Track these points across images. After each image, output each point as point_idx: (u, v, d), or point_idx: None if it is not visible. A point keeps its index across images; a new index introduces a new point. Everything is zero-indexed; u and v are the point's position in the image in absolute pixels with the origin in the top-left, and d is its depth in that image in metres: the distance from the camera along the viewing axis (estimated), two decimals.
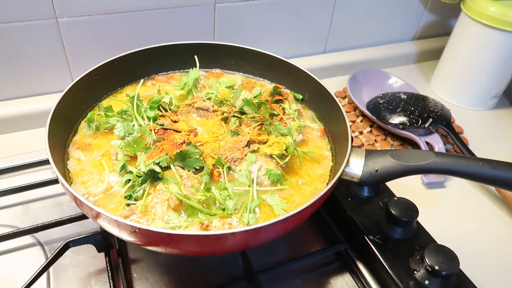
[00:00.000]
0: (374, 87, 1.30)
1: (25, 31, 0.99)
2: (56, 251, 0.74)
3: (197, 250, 0.64)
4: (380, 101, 1.19)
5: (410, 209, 0.80)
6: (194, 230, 0.65)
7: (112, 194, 0.70)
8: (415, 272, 0.73)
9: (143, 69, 0.96)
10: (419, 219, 0.80)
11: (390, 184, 0.90)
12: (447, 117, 1.14)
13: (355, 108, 1.27)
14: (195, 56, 0.97)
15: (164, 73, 1.00)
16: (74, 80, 0.81)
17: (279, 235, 0.68)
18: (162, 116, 0.84)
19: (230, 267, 0.82)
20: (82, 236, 0.77)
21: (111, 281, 0.75)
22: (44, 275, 0.77)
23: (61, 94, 0.77)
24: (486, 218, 0.97)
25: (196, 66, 0.96)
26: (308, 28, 1.33)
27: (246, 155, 0.77)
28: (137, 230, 0.58)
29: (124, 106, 0.84)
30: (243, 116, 0.85)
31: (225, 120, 0.86)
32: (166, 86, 0.96)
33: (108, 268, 0.77)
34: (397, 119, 1.12)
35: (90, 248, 0.79)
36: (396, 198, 0.82)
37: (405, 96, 1.18)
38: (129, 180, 0.71)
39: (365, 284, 0.80)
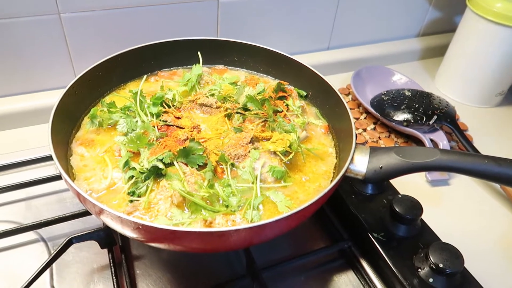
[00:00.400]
0: (378, 84, 1.29)
1: (28, 26, 0.99)
2: (59, 247, 0.74)
3: (200, 246, 0.64)
4: (384, 98, 1.18)
5: (415, 206, 0.79)
6: (197, 226, 0.64)
7: (115, 190, 0.70)
8: (419, 270, 0.73)
9: (146, 65, 0.96)
10: (423, 216, 0.80)
11: (394, 182, 0.89)
12: (451, 114, 1.14)
13: (359, 105, 1.27)
14: (199, 52, 0.96)
15: (167, 69, 0.99)
16: (77, 76, 0.81)
17: (282, 232, 0.68)
18: (165, 112, 0.84)
19: (234, 264, 0.82)
20: (85, 233, 0.77)
21: (114, 277, 0.75)
22: (47, 271, 0.77)
23: (64, 90, 0.77)
24: (490, 216, 0.97)
25: (199, 62, 0.95)
26: (312, 25, 1.32)
27: (249, 151, 0.76)
28: (140, 227, 0.58)
29: (127, 102, 0.84)
30: (246, 113, 0.85)
31: (229, 116, 0.85)
32: (169, 82, 0.95)
33: (111, 264, 0.77)
34: (401, 116, 1.11)
35: (93, 245, 0.79)
36: (400, 196, 0.81)
37: (410, 93, 1.18)
38: (132, 176, 0.70)
39: (368, 281, 0.79)
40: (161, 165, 0.70)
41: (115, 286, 0.74)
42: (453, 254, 0.72)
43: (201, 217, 0.66)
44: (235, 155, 0.75)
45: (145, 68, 0.96)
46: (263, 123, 0.83)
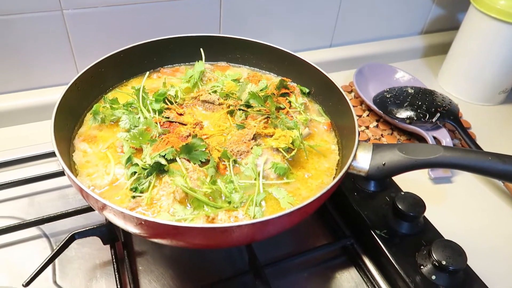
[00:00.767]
0: (381, 82, 1.29)
1: (31, 23, 0.99)
2: (61, 243, 0.74)
3: (203, 242, 0.64)
4: (387, 96, 1.18)
5: (417, 204, 0.79)
6: (199, 223, 0.64)
7: (118, 186, 0.70)
8: (421, 267, 0.73)
9: (149, 61, 0.96)
10: (426, 214, 0.80)
11: (397, 179, 0.89)
12: (454, 111, 1.13)
13: (362, 102, 1.26)
14: (201, 49, 0.96)
15: (169, 65, 0.99)
16: (80, 72, 0.81)
17: (285, 228, 0.68)
18: (168, 109, 0.84)
19: (236, 260, 0.82)
20: (87, 228, 0.77)
21: (116, 273, 0.75)
22: (50, 267, 0.77)
23: (66, 86, 0.77)
24: (493, 214, 0.97)
25: (201, 59, 0.95)
26: (315, 22, 1.32)
27: (252, 148, 0.76)
28: (143, 222, 0.58)
29: (129, 99, 0.84)
30: (249, 110, 0.85)
31: (231, 113, 0.85)
32: (172, 79, 0.95)
33: (114, 260, 0.77)
34: (404, 114, 1.11)
35: (95, 241, 0.79)
36: (403, 193, 0.81)
37: (412, 91, 1.17)
38: (135, 172, 0.70)
39: (371, 278, 0.79)
40: (163, 161, 0.70)
41: (118, 282, 0.74)
42: (456, 251, 0.72)
43: (204, 213, 0.66)
44: (238, 151, 0.75)
45: (148, 64, 0.96)
46: (266, 120, 0.83)
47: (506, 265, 0.86)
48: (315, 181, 0.76)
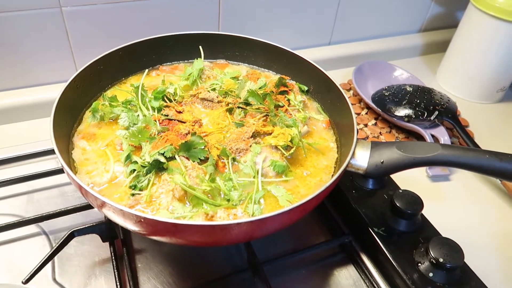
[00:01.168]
0: (380, 79, 1.29)
1: (29, 20, 0.99)
2: (61, 241, 0.74)
3: (202, 240, 0.64)
4: (386, 93, 1.18)
5: (415, 201, 0.79)
6: (199, 220, 0.64)
7: (117, 184, 0.70)
8: (419, 264, 0.73)
9: (148, 59, 0.96)
10: (424, 212, 0.80)
11: (395, 177, 0.89)
12: (453, 110, 1.14)
13: (360, 100, 1.27)
14: (200, 47, 0.96)
15: (168, 63, 0.99)
16: (79, 69, 0.81)
17: (283, 226, 0.68)
18: (167, 106, 0.84)
19: (235, 258, 0.82)
20: (87, 226, 0.77)
21: (115, 270, 0.75)
22: (49, 264, 0.77)
23: (65, 84, 0.77)
24: (490, 212, 0.97)
25: (200, 57, 0.95)
26: (314, 19, 1.32)
27: (251, 146, 0.76)
28: (142, 220, 0.58)
29: (128, 96, 0.84)
30: (248, 107, 0.85)
31: (230, 111, 0.85)
32: (171, 76, 0.95)
33: (113, 258, 0.77)
34: (402, 112, 1.11)
35: (94, 238, 0.79)
36: (401, 191, 0.82)
37: (411, 89, 1.18)
38: (134, 170, 0.70)
39: (369, 276, 0.80)
40: (162, 159, 0.70)
41: (117, 279, 0.74)
42: (453, 248, 0.72)
43: (203, 210, 0.66)
44: (237, 149, 0.76)
45: (147, 62, 0.96)
46: (265, 117, 0.83)
47: (503, 263, 0.86)
48: (314, 179, 0.76)
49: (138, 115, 0.80)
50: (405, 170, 0.74)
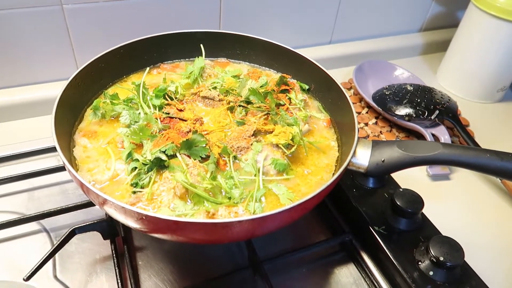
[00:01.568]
0: (380, 79, 1.29)
1: (30, 17, 0.99)
2: (62, 238, 0.74)
3: (203, 238, 0.64)
4: (386, 93, 1.18)
5: (416, 200, 0.80)
6: (200, 218, 0.65)
7: (118, 181, 0.70)
8: (419, 263, 0.73)
9: (149, 57, 0.96)
10: (424, 211, 0.80)
11: (396, 176, 0.89)
12: (453, 109, 1.14)
13: (361, 99, 1.27)
14: (201, 45, 0.96)
15: (169, 61, 0.99)
16: (80, 67, 0.81)
17: (284, 224, 0.68)
18: (168, 104, 0.84)
19: (235, 256, 0.83)
20: (88, 223, 0.77)
21: (116, 268, 0.75)
22: (50, 262, 0.77)
23: (67, 82, 0.77)
24: (491, 210, 0.97)
25: (202, 55, 0.95)
26: (315, 18, 1.32)
27: (252, 144, 0.76)
28: (143, 217, 0.58)
29: (130, 94, 0.84)
30: (249, 106, 0.85)
31: (231, 109, 0.85)
32: (172, 74, 0.95)
33: (114, 255, 0.77)
34: (403, 111, 1.12)
35: (95, 235, 0.79)
36: (401, 190, 0.82)
37: (412, 88, 1.18)
38: (135, 168, 0.70)
39: (369, 274, 0.80)
40: (164, 157, 0.70)
41: (118, 277, 0.74)
42: (453, 247, 0.72)
43: (204, 208, 0.66)
44: (238, 147, 0.76)
45: (148, 60, 0.96)
46: (266, 116, 0.83)
47: (503, 261, 0.86)
48: (315, 177, 0.76)
49: (140, 113, 0.80)
50: (406, 169, 0.74)
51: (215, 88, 0.89)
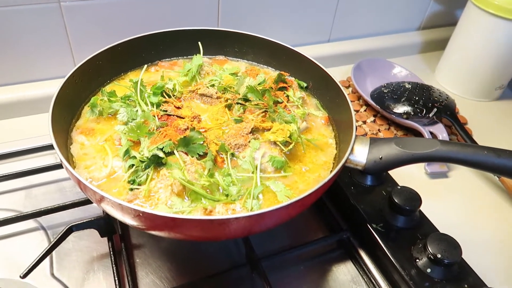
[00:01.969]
0: (378, 77, 1.29)
1: (28, 15, 0.98)
2: (59, 235, 0.74)
3: (200, 235, 0.64)
4: (384, 91, 1.18)
5: (413, 198, 0.80)
6: (197, 215, 0.64)
7: (116, 178, 0.70)
8: (417, 260, 0.73)
9: (147, 54, 0.96)
10: (422, 208, 0.80)
11: (393, 174, 0.89)
12: (451, 107, 1.14)
13: (359, 97, 1.27)
14: (199, 43, 0.96)
15: (167, 59, 0.99)
16: (77, 64, 0.81)
17: (282, 221, 0.68)
18: (166, 102, 0.84)
19: (233, 253, 0.82)
20: (85, 221, 0.77)
21: (114, 266, 0.75)
22: (47, 259, 0.77)
23: (64, 79, 0.77)
24: (488, 208, 0.97)
25: (200, 53, 0.95)
26: (313, 16, 1.32)
27: (249, 141, 0.76)
28: (141, 214, 0.58)
29: (127, 92, 0.84)
30: (247, 103, 0.85)
31: (229, 107, 0.85)
32: (170, 72, 0.95)
33: (111, 253, 0.77)
34: (401, 109, 1.12)
35: (93, 233, 0.79)
36: (399, 187, 0.82)
37: (410, 86, 1.18)
38: (133, 165, 0.70)
39: (367, 271, 0.80)
40: (161, 154, 0.70)
41: (115, 275, 0.74)
42: (451, 244, 0.72)
43: (201, 206, 0.66)
44: (235, 145, 0.76)
45: (146, 58, 0.96)
46: (264, 113, 0.83)
47: (500, 259, 0.86)
48: (313, 174, 0.76)
49: (137, 111, 0.80)
50: (403, 166, 0.74)
51: (213, 85, 0.89)
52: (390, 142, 0.74)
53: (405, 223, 0.79)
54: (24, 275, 0.70)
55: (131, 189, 0.68)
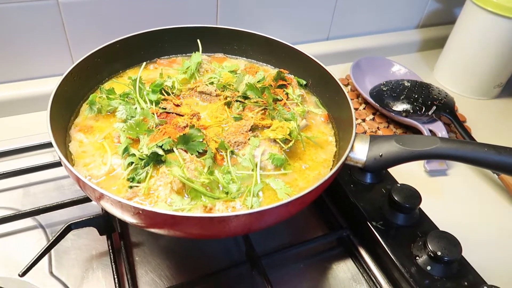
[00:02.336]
0: (377, 75, 1.29)
1: (25, 12, 0.98)
2: (58, 233, 0.74)
3: (200, 232, 0.64)
4: (384, 89, 1.18)
5: (413, 195, 0.80)
6: (197, 213, 0.64)
7: (115, 176, 0.70)
8: (417, 258, 0.73)
9: (145, 52, 0.95)
10: (422, 206, 0.80)
11: (393, 172, 0.89)
12: (450, 105, 1.14)
13: (358, 95, 1.26)
14: (198, 40, 0.96)
15: (166, 56, 0.99)
16: (76, 62, 0.80)
17: (282, 219, 0.68)
18: (165, 99, 0.83)
19: (233, 251, 0.82)
20: (84, 219, 0.77)
21: (113, 264, 0.75)
22: (46, 258, 0.77)
23: (62, 76, 0.76)
24: (488, 206, 0.98)
25: (198, 50, 0.95)
26: (312, 14, 1.32)
27: (249, 139, 0.76)
28: (140, 212, 0.57)
29: (126, 89, 0.83)
30: (246, 101, 0.85)
31: (228, 104, 0.85)
32: (169, 69, 0.94)
33: (110, 251, 0.77)
34: (400, 107, 1.11)
35: (92, 231, 0.79)
36: (399, 185, 0.82)
37: (409, 84, 1.18)
38: (132, 162, 0.70)
39: (367, 269, 0.80)
40: (160, 152, 0.69)
41: (114, 273, 0.74)
42: (451, 242, 0.72)
43: (201, 203, 0.66)
44: (235, 142, 0.75)
45: (144, 55, 0.95)
46: (263, 111, 0.83)
47: (500, 256, 0.87)
48: (312, 172, 0.76)
49: (136, 108, 0.79)
50: (403, 163, 0.74)
51: (212, 83, 0.89)
52: (390, 139, 0.74)
53: (405, 221, 0.79)
54: (23, 274, 0.69)
55: (131, 187, 0.67)
